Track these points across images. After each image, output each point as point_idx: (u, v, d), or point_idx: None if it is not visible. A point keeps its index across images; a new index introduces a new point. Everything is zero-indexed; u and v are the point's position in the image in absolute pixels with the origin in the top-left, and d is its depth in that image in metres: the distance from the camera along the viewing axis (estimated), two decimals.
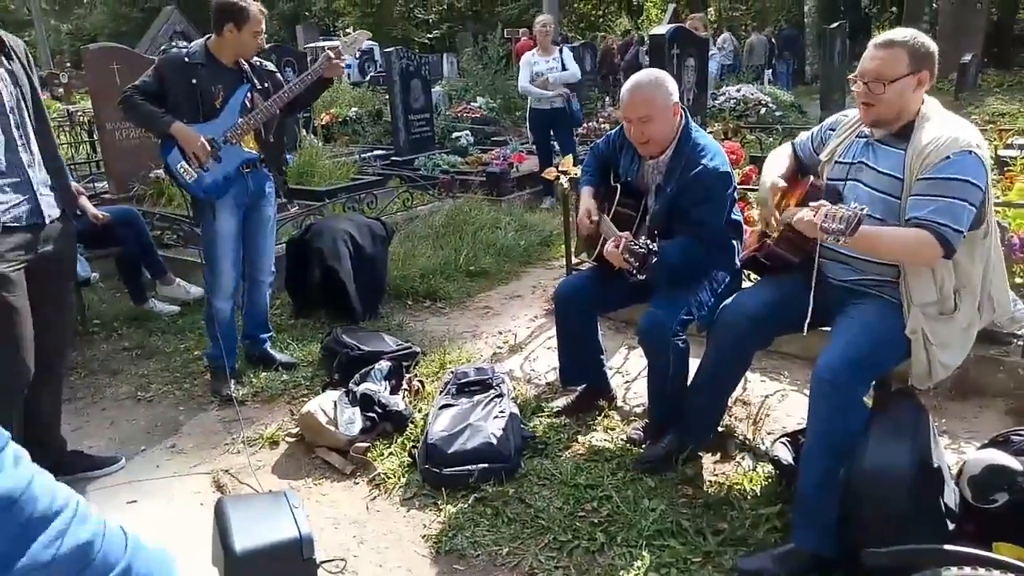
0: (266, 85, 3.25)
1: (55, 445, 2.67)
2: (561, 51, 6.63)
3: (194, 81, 3.07)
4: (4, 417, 2.31)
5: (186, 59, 3.10)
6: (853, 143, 2.24)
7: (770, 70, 16.18)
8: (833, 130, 2.36)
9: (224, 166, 3.14)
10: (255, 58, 3.29)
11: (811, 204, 2.01)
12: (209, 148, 3.08)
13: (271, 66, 3.38)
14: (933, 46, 2.08)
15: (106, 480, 2.73)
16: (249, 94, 3.18)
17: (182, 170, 3.11)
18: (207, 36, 3.18)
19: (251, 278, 3.46)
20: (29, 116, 2.33)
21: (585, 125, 8.12)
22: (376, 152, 8.63)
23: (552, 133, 6.67)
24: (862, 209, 1.85)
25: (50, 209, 2.39)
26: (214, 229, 3.20)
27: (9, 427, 2.36)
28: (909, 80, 2.04)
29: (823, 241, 2.07)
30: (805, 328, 2.21)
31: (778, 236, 2.30)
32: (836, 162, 2.27)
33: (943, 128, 2.01)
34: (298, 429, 2.96)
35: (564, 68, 6.48)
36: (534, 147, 7.16)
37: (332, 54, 3.20)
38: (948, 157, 1.95)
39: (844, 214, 1.85)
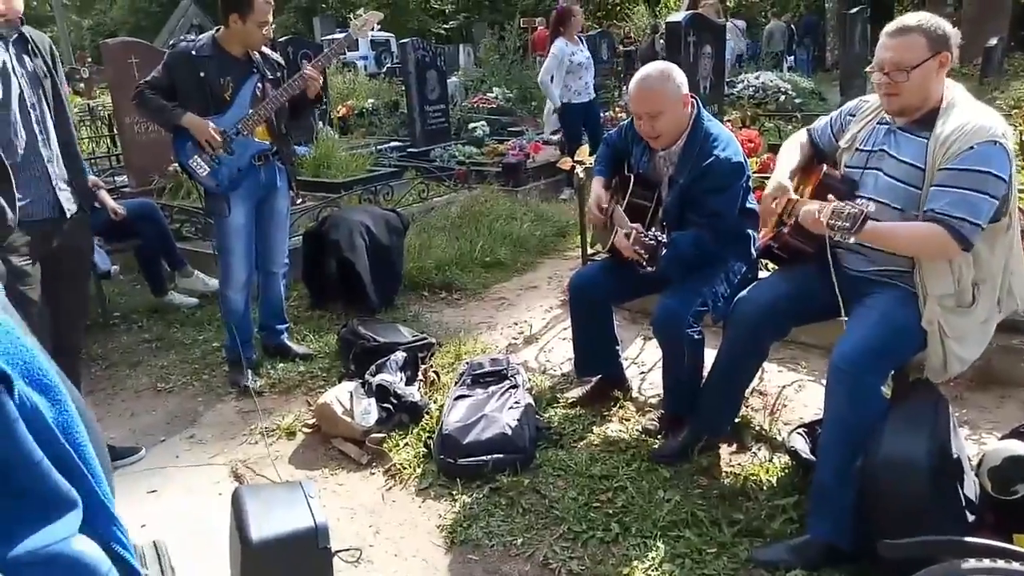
0: (277, 75, 3.25)
1: None
2: (582, 40, 6.64)
3: (202, 74, 3.08)
4: None
5: (193, 52, 3.10)
6: (875, 130, 2.18)
7: (791, 56, 15.97)
8: (853, 115, 2.31)
9: (237, 158, 3.16)
10: (265, 49, 3.28)
11: (816, 201, 1.99)
12: (220, 137, 3.09)
13: (279, 58, 3.38)
14: (948, 26, 2.02)
15: (127, 470, 2.77)
16: (259, 84, 3.18)
17: (196, 164, 3.13)
18: (216, 28, 3.18)
19: (264, 270, 3.48)
20: (50, 112, 2.36)
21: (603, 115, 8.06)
22: (392, 144, 8.63)
23: (584, 127, 6.60)
24: (867, 205, 1.84)
25: (68, 204, 2.43)
26: (227, 221, 3.22)
27: None
28: (931, 63, 1.98)
29: (830, 238, 2.03)
30: (842, 313, 2.16)
31: (791, 227, 2.28)
32: (857, 149, 2.22)
33: (968, 117, 1.96)
34: (315, 420, 2.98)
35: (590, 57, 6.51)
36: (563, 141, 6.90)
37: (307, 73, 3.16)
38: (972, 147, 1.90)
39: (850, 211, 1.83)
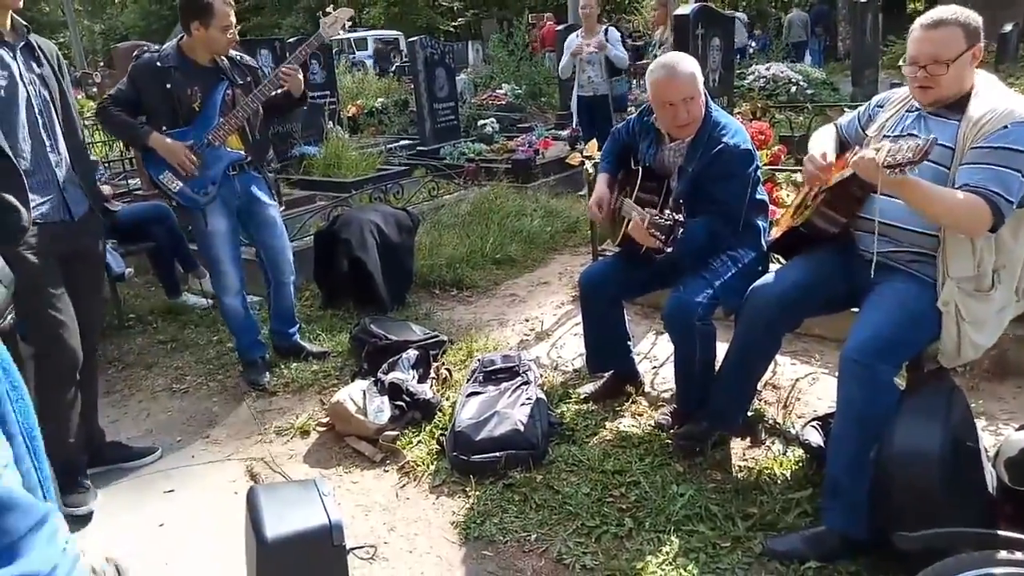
0: (248, 80, 3.15)
1: (93, 435, 2.75)
2: (607, 32, 6.48)
3: (168, 85, 2.98)
4: (59, 401, 2.41)
5: (158, 63, 3.00)
6: (903, 116, 2.19)
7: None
8: (882, 107, 2.32)
9: (210, 171, 3.06)
10: (234, 53, 3.16)
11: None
12: (192, 158, 3.00)
13: (251, 60, 3.29)
14: (979, 18, 2.03)
15: (143, 470, 2.80)
16: (228, 92, 3.08)
17: (167, 179, 3.04)
18: (180, 36, 3.07)
19: (274, 280, 3.46)
20: (58, 117, 2.38)
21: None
22: (402, 142, 8.65)
23: (592, 122, 6.55)
24: (933, 137, 1.81)
25: (77, 206, 2.45)
26: (207, 232, 3.16)
27: (68, 411, 2.42)
28: (966, 56, 2.00)
29: (884, 181, 1.94)
30: (873, 262, 2.10)
31: (816, 206, 2.25)
32: (884, 136, 2.21)
33: (1001, 100, 1.98)
34: (328, 418, 3.00)
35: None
36: (579, 134, 6.88)
37: (282, 70, 3.09)
38: (1006, 127, 1.91)
39: (914, 143, 1.80)
